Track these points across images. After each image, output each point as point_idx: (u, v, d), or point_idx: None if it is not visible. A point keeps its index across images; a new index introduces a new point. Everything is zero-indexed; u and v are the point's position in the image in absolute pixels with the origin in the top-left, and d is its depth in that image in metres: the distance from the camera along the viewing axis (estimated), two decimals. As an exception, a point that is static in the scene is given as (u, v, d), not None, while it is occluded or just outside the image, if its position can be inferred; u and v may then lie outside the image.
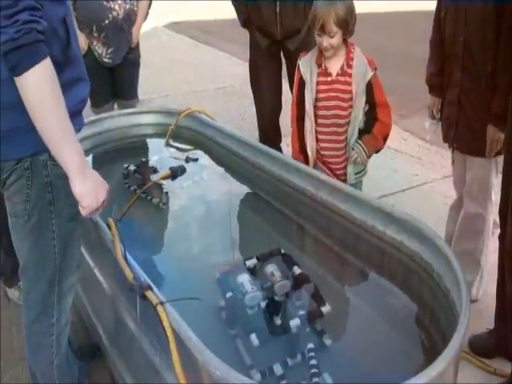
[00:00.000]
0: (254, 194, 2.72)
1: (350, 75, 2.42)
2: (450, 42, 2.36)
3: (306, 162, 2.56)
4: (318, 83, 2.47)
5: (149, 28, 7.37)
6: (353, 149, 2.48)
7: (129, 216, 2.19)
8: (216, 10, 9.98)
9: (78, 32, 2.86)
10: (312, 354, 1.68)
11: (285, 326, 1.76)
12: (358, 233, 2.07)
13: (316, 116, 2.51)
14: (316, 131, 2.53)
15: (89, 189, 1.52)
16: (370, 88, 2.42)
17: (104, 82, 3.51)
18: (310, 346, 1.70)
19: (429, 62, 2.58)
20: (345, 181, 2.53)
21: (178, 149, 3.13)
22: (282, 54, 3.54)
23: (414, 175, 3.94)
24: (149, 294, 1.55)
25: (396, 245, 1.91)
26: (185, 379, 1.38)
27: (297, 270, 1.93)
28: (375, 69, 2.42)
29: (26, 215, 1.61)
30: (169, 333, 1.43)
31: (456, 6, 2.29)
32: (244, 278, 1.88)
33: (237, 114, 5.37)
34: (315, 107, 2.50)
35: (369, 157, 2.52)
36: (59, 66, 1.46)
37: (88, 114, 3.21)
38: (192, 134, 3.17)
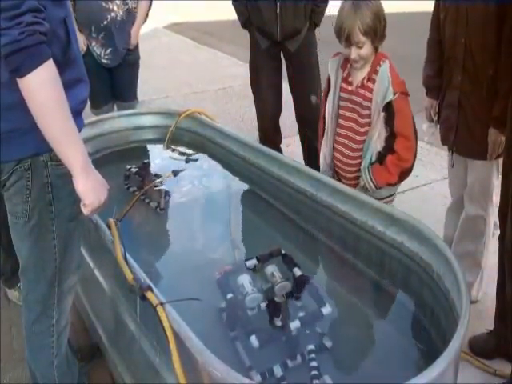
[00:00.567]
0: (254, 195, 2.72)
1: (370, 90, 2.20)
2: (451, 44, 2.32)
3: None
4: (341, 89, 2.30)
5: (149, 29, 7.38)
6: (360, 176, 2.28)
7: (129, 216, 2.19)
8: (216, 10, 9.99)
9: (78, 33, 2.86)
10: (312, 355, 1.68)
11: (285, 327, 1.76)
12: (358, 233, 2.07)
13: (336, 122, 2.35)
14: (334, 138, 2.38)
15: (91, 187, 1.54)
16: (390, 112, 2.15)
17: (103, 83, 3.51)
18: (311, 347, 1.70)
19: (425, 63, 2.54)
20: None
21: (177, 150, 3.13)
22: (282, 55, 3.54)
23: (414, 176, 3.90)
24: (149, 294, 1.55)
25: (396, 245, 1.91)
26: (185, 380, 1.38)
27: (297, 271, 1.93)
28: (402, 93, 2.14)
29: (26, 216, 1.62)
30: (169, 333, 1.43)
31: (457, 6, 2.25)
32: (244, 279, 1.88)
33: (237, 115, 5.37)
34: (338, 113, 2.34)
35: (379, 188, 2.27)
36: (59, 67, 1.46)
37: (87, 115, 3.21)
38: (192, 135, 3.17)
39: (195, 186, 2.79)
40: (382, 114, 2.16)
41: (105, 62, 3.43)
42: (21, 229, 1.65)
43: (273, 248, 2.07)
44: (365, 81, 2.21)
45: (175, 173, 2.62)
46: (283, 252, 2.05)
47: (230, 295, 1.90)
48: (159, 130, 3.24)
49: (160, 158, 3.08)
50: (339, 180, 2.39)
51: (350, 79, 2.27)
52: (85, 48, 3.33)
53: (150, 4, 3.56)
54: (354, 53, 2.14)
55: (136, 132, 3.24)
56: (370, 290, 2.04)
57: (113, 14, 3.30)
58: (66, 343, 1.89)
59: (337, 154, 2.39)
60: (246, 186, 2.78)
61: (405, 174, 2.25)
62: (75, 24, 2.65)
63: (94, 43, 3.38)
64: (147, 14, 3.57)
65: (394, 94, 2.12)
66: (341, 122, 2.33)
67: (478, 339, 2.35)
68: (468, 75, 2.28)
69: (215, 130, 3.03)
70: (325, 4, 3.35)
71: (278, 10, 3.22)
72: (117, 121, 3.21)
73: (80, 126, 1.66)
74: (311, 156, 3.59)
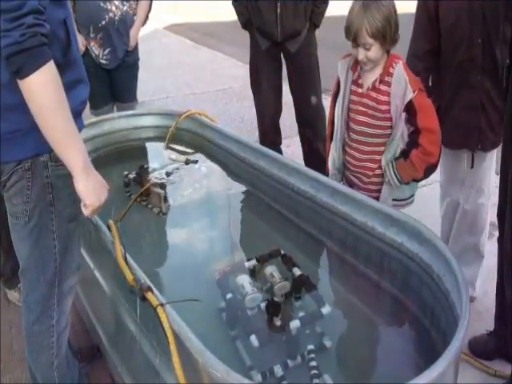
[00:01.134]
0: (253, 195, 2.72)
1: (383, 93, 2.13)
2: (465, 47, 2.23)
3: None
4: (351, 92, 2.23)
5: (149, 30, 7.39)
6: (385, 170, 2.21)
7: (129, 219, 2.19)
8: (216, 11, 10.00)
9: (77, 34, 2.87)
10: (312, 355, 1.68)
11: (285, 327, 1.76)
12: (358, 234, 2.07)
13: (346, 126, 2.29)
14: (343, 141, 2.32)
15: (92, 187, 1.55)
16: (412, 110, 2.10)
17: (102, 84, 3.50)
18: (310, 347, 1.70)
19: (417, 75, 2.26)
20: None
21: (177, 151, 3.13)
22: (282, 56, 3.54)
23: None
24: (149, 295, 1.55)
25: (396, 246, 1.91)
26: (185, 380, 1.38)
27: (297, 271, 1.93)
28: (419, 89, 2.10)
29: (27, 216, 1.62)
30: (169, 334, 1.43)
31: (469, 5, 2.16)
32: (244, 280, 1.88)
33: (237, 116, 5.38)
34: (348, 116, 2.27)
35: (404, 183, 2.22)
36: (59, 68, 1.46)
37: (86, 116, 3.22)
38: (192, 135, 3.17)
39: (195, 186, 2.79)
40: (404, 114, 2.11)
41: (103, 62, 3.43)
42: (21, 229, 1.65)
43: (272, 249, 2.07)
44: (376, 83, 2.14)
45: (168, 174, 2.62)
46: (283, 252, 2.06)
47: (229, 295, 1.91)
48: (159, 130, 3.24)
49: (160, 158, 3.08)
50: (349, 184, 2.35)
51: (360, 81, 2.21)
52: (83, 48, 3.33)
53: (150, 5, 3.55)
54: (361, 54, 2.09)
55: (136, 132, 3.25)
56: (370, 290, 2.04)
57: (111, 15, 3.30)
58: (66, 344, 1.90)
59: (348, 158, 2.32)
60: (245, 187, 2.78)
61: (430, 169, 2.20)
62: (74, 24, 2.65)
63: (92, 44, 3.38)
64: (147, 16, 3.57)
65: (413, 92, 2.08)
66: (351, 125, 2.26)
67: (478, 340, 2.35)
68: (488, 75, 2.23)
69: (215, 130, 3.03)
70: (325, 5, 3.35)
71: (279, 10, 3.22)
72: (117, 121, 3.21)
73: (80, 126, 1.66)
74: (311, 157, 3.59)
